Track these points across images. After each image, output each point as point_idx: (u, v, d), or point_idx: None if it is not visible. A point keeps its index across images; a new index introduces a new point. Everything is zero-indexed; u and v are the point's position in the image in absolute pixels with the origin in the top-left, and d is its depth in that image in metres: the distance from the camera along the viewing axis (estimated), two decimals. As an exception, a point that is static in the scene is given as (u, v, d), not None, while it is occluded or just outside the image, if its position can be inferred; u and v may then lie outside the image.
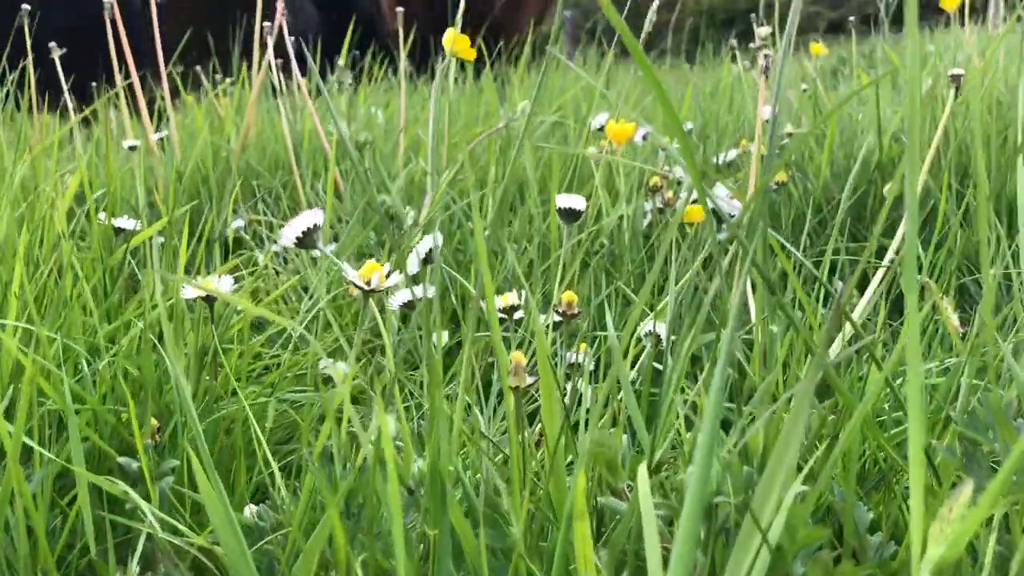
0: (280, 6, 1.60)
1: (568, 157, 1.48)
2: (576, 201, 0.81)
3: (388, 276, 0.63)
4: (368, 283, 0.62)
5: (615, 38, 2.47)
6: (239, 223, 1.53)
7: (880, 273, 0.97)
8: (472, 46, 2.04)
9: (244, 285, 1.08)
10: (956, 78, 0.94)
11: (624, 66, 3.70)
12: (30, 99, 1.87)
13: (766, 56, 1.04)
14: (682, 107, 1.83)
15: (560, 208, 0.81)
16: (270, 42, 1.61)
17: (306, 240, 0.65)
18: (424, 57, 3.89)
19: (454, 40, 1.33)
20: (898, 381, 0.77)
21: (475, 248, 0.58)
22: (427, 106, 1.64)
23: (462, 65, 2.81)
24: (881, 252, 1.18)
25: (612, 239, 1.24)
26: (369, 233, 1.28)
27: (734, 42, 1.93)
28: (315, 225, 0.64)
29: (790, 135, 1.54)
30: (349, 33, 2.08)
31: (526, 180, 1.47)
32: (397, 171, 1.70)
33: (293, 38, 2.25)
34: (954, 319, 0.82)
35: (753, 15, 2.06)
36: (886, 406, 0.76)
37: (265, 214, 1.62)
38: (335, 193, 1.64)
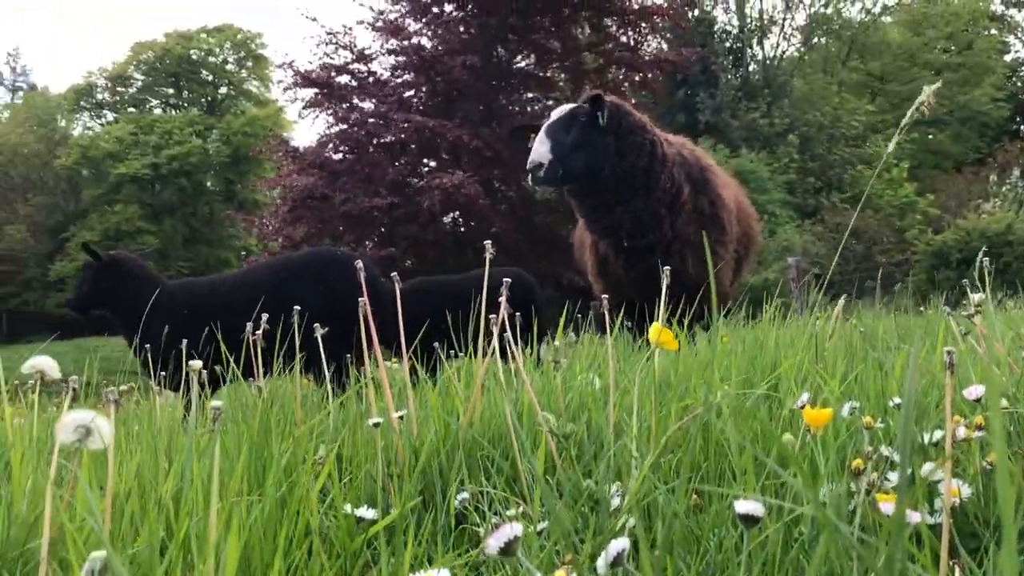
0: (503, 302, 1.82)
1: (770, 436, 1.52)
2: (755, 507, 0.87)
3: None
4: (556, 593, 0.71)
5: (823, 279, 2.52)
6: (464, 496, 1.68)
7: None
8: (678, 310, 2.12)
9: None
10: None
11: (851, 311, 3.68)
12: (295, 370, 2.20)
13: (949, 353, 1.08)
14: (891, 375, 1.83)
15: (739, 514, 0.87)
16: (495, 330, 1.83)
17: (507, 549, 0.76)
18: (633, 317, 4.06)
19: (658, 334, 1.47)
20: None
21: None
22: (645, 368, 1.76)
23: (678, 322, 2.94)
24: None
25: (813, 525, 1.25)
26: (576, 515, 1.37)
27: (946, 308, 1.93)
28: (515, 537, 0.75)
29: (1006, 409, 1.50)
30: (564, 314, 2.29)
31: (728, 460, 1.52)
32: (610, 442, 1.80)
33: (520, 314, 2.50)
34: None
35: (967, 277, 2.06)
36: None
37: (487, 485, 1.77)
38: (552, 464, 1.76)
